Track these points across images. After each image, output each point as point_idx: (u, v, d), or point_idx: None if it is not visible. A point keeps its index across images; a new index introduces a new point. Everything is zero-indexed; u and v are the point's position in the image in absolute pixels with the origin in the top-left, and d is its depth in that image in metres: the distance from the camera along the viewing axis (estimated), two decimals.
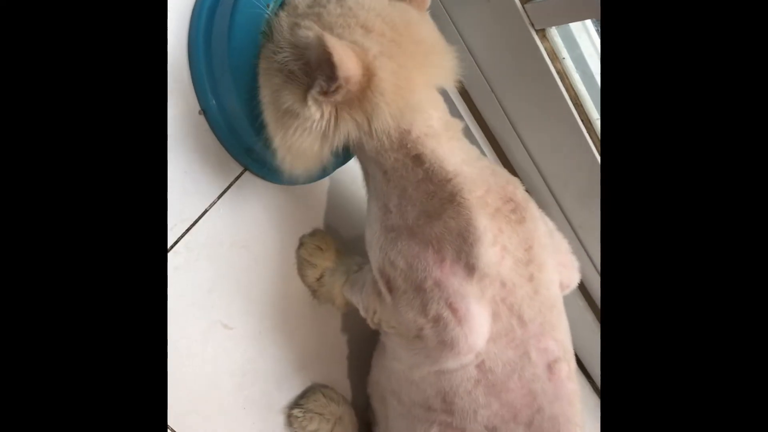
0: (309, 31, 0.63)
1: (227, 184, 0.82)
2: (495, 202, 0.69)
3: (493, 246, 0.67)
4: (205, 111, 0.80)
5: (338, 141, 0.67)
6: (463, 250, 0.66)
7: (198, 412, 0.81)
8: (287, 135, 0.67)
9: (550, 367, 0.70)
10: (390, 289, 0.72)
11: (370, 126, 0.65)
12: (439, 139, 0.69)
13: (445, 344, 0.67)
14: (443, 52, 0.70)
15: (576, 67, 0.87)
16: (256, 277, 0.85)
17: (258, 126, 0.76)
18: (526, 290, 0.69)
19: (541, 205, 0.77)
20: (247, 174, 0.84)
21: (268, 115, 0.69)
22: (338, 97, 0.63)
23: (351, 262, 0.88)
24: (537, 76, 0.85)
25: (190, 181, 0.78)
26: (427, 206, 0.69)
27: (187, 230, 0.78)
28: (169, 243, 0.77)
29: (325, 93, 0.63)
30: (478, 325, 0.67)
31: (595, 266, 1.04)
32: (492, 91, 0.92)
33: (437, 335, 0.68)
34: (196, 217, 0.79)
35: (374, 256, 0.74)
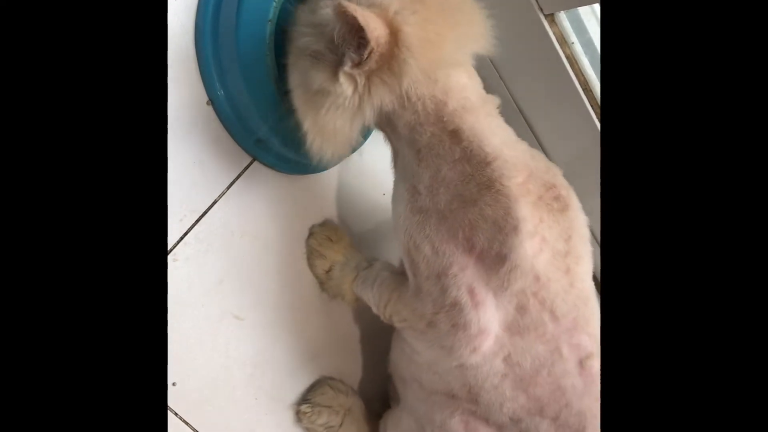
0: (327, 7, 0.61)
1: (236, 175, 0.82)
2: (537, 190, 0.67)
3: (532, 238, 0.65)
4: (212, 101, 0.79)
5: (372, 114, 0.66)
6: (496, 239, 0.65)
7: (210, 402, 0.81)
8: (319, 115, 0.66)
9: (582, 363, 0.69)
10: (414, 274, 0.71)
11: (401, 88, 0.63)
12: (477, 114, 0.67)
13: (458, 327, 0.67)
14: (473, 12, 0.67)
15: (585, 52, 0.86)
16: (267, 268, 0.85)
17: (267, 115, 0.76)
18: (561, 284, 0.67)
19: None
20: (255, 164, 0.83)
21: (298, 99, 0.68)
22: (372, 63, 0.62)
23: (360, 258, 0.87)
24: (546, 61, 0.85)
25: (199, 172, 0.78)
26: (462, 190, 0.66)
27: (197, 221, 0.78)
28: (179, 234, 0.77)
29: (357, 64, 0.62)
30: (491, 312, 0.67)
31: None
32: (500, 76, 0.92)
33: (450, 319, 0.67)
34: (206, 208, 0.79)
35: (400, 239, 0.73)
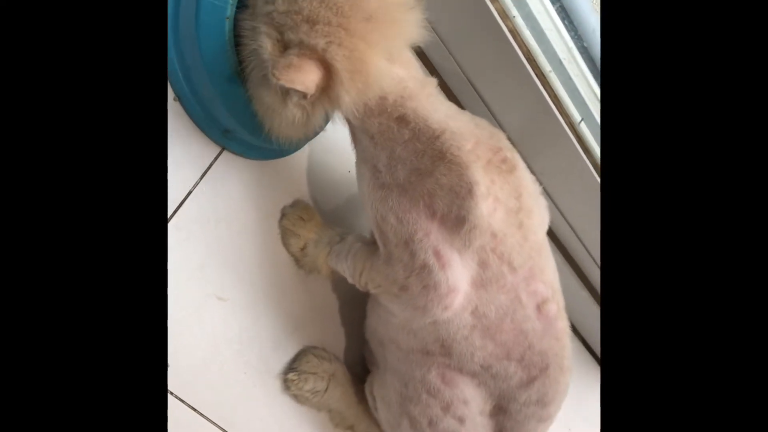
0: (264, 44, 0.67)
1: (207, 165, 0.86)
2: (485, 154, 0.72)
3: (486, 199, 0.70)
4: (179, 97, 0.83)
5: (320, 122, 0.72)
6: (454, 203, 0.70)
7: (201, 380, 0.86)
8: (274, 123, 0.73)
9: (539, 307, 0.76)
10: (384, 243, 0.77)
11: (342, 109, 0.69)
12: (418, 99, 0.72)
13: (429, 288, 0.73)
14: (398, 18, 0.69)
15: (526, 24, 0.91)
16: (244, 250, 0.90)
17: (232, 107, 0.80)
18: (516, 238, 0.73)
19: None
20: (225, 153, 0.87)
21: (255, 107, 0.75)
22: (314, 96, 0.68)
23: (333, 233, 0.92)
24: (490, 35, 0.89)
25: (173, 166, 0.82)
26: (417, 164, 0.72)
27: (175, 211, 0.82)
28: None
29: (303, 97, 0.68)
30: (458, 271, 0.73)
31: (558, 209, 1.10)
32: (449, 52, 0.96)
33: (421, 281, 0.73)
34: (182, 198, 0.83)
35: (369, 213, 0.79)
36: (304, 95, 0.67)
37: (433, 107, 0.73)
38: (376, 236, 0.79)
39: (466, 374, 0.79)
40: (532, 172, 0.78)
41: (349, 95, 0.67)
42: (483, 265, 0.73)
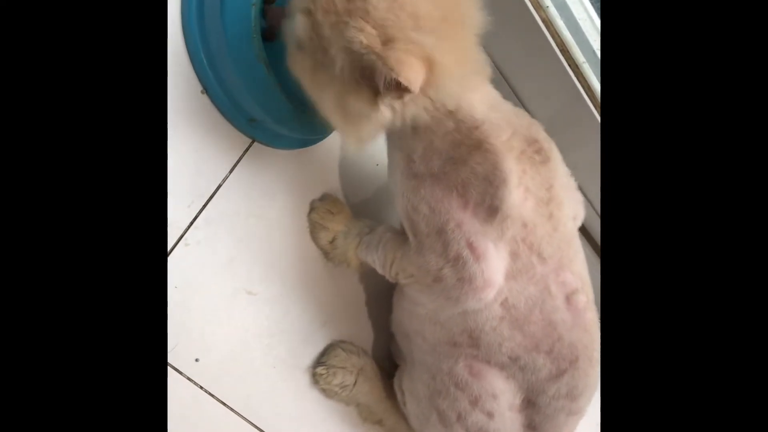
0: (361, 35, 0.61)
1: (237, 158, 0.85)
2: (520, 145, 0.72)
3: (518, 188, 0.70)
4: (206, 89, 0.82)
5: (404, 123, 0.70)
6: (488, 192, 0.70)
7: (231, 374, 0.86)
8: (358, 131, 0.70)
9: (569, 298, 0.75)
10: (414, 234, 0.76)
11: (435, 107, 0.68)
12: (472, 90, 0.72)
13: (464, 281, 0.72)
14: (472, 6, 0.68)
15: (560, 15, 0.89)
16: (273, 244, 0.89)
17: (258, 96, 0.79)
18: (546, 228, 0.73)
19: None
20: (254, 146, 0.87)
21: (333, 118, 0.71)
22: (413, 96, 0.66)
23: (362, 225, 0.91)
24: (523, 26, 0.88)
25: (202, 159, 0.81)
26: (453, 154, 0.72)
27: (204, 205, 0.82)
28: (189, 219, 0.81)
29: (398, 97, 0.65)
30: (494, 263, 0.72)
31: (591, 204, 1.08)
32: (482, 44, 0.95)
33: (456, 273, 0.72)
34: (211, 192, 0.83)
35: (398, 203, 0.78)
36: (400, 95, 0.65)
37: (482, 98, 0.72)
38: (406, 227, 0.78)
39: (494, 366, 0.78)
40: (566, 164, 0.77)
41: (453, 84, 0.66)
42: (514, 255, 0.73)
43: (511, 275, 0.73)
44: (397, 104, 0.67)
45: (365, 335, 1.02)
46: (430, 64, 0.63)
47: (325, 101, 0.70)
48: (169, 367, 0.80)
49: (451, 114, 0.71)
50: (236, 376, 0.86)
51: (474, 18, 0.67)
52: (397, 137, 0.77)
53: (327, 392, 0.94)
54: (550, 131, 0.74)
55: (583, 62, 0.92)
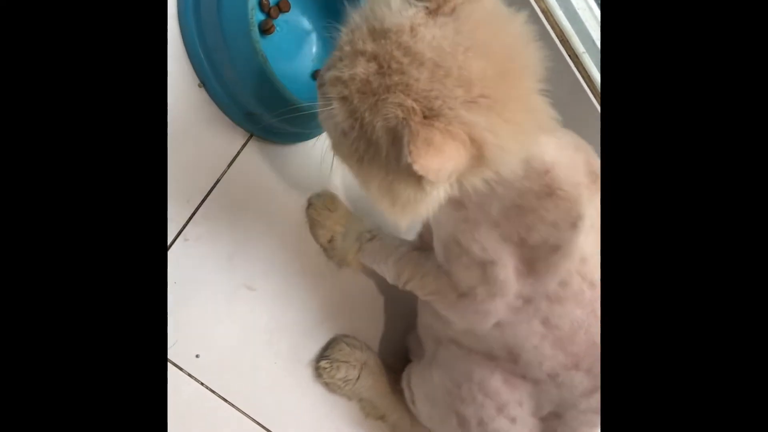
0: (398, 109, 0.54)
1: (235, 152, 0.85)
2: (587, 180, 0.67)
3: (589, 230, 0.67)
4: (203, 83, 0.82)
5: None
6: (552, 235, 0.67)
7: (232, 370, 0.85)
8: (409, 215, 0.61)
9: None
10: (448, 259, 0.74)
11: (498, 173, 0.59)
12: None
13: (495, 295, 0.71)
14: (530, 49, 0.59)
15: (559, 5, 0.88)
16: (273, 239, 0.89)
17: (256, 89, 0.78)
18: (594, 248, 0.69)
19: None
20: (253, 140, 0.86)
21: (382, 205, 0.62)
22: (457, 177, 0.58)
23: (361, 228, 0.90)
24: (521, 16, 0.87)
25: (200, 154, 0.81)
26: (519, 201, 0.66)
27: (203, 201, 0.81)
28: (188, 214, 0.80)
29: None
30: (514, 286, 0.71)
31: None
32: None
33: (489, 292, 0.71)
34: (210, 187, 0.82)
35: (437, 232, 0.75)
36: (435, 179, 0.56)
37: (548, 139, 0.66)
38: (439, 250, 0.75)
39: (529, 380, 0.77)
40: None
41: (513, 156, 0.58)
42: (563, 284, 0.70)
43: (556, 300, 0.71)
44: (446, 184, 0.58)
45: (368, 330, 1.02)
46: (479, 146, 0.54)
47: (372, 189, 0.61)
48: (169, 364, 0.80)
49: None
50: (237, 372, 0.86)
51: (534, 64, 0.59)
52: None
53: (330, 386, 0.93)
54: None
55: (583, 52, 0.92)
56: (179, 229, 0.80)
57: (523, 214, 0.67)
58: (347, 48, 0.58)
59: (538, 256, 0.69)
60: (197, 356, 0.82)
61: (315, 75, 0.89)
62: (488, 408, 0.78)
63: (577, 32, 0.91)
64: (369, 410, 0.96)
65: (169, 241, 0.79)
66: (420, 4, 0.56)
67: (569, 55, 0.90)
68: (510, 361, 0.76)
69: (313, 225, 0.92)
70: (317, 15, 0.90)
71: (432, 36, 0.54)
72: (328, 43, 0.90)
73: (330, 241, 0.91)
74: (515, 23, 0.59)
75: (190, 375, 0.82)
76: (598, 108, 0.94)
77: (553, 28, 0.88)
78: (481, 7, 0.57)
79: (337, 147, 0.63)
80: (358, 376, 0.93)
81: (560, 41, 0.89)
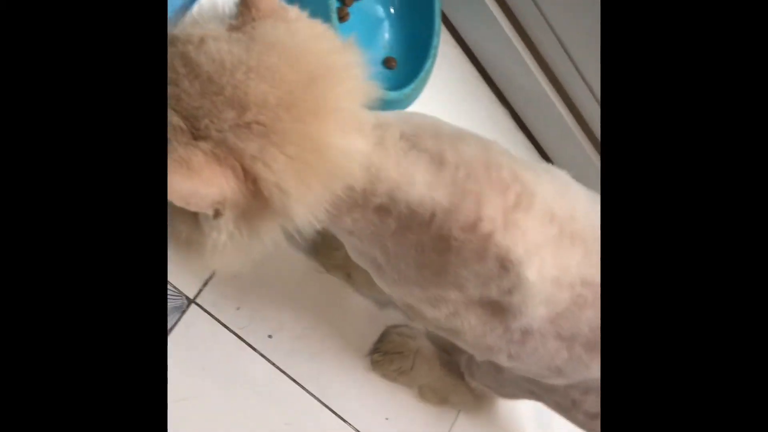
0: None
1: None
2: (495, 208, 0.56)
3: (530, 260, 0.56)
4: None
5: (270, 241, 0.52)
6: (492, 287, 0.58)
7: (301, 353, 0.87)
8: (206, 259, 0.52)
9: None
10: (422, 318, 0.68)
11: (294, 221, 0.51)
12: (387, 173, 0.55)
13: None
14: (345, 68, 0.52)
15: None
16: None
17: None
18: (576, 259, 0.59)
19: None
20: None
21: (173, 249, 0.53)
22: (227, 216, 0.49)
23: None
24: (588, 2, 0.87)
25: None
26: (422, 260, 0.58)
27: None
28: None
29: (214, 216, 0.49)
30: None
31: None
32: (547, 23, 0.94)
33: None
34: None
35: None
36: (215, 213, 0.48)
37: (409, 177, 0.56)
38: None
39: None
40: None
41: (303, 208, 0.49)
42: (554, 307, 0.61)
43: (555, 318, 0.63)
44: (222, 222, 0.49)
45: None
46: (254, 181, 0.47)
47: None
48: (243, 343, 0.81)
49: (379, 211, 0.57)
50: (305, 355, 0.87)
51: (344, 100, 0.51)
52: (345, 242, 0.66)
53: (387, 377, 0.94)
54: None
55: None
56: None
57: (440, 278, 0.59)
58: None
59: (496, 313, 0.61)
60: (270, 336, 0.83)
61: (386, 62, 0.91)
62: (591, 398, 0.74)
63: None
64: (429, 396, 0.96)
65: None
66: (229, 20, 0.51)
67: None
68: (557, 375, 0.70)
69: (327, 269, 0.90)
70: (390, 3, 0.92)
71: (217, 50, 0.47)
72: (400, 32, 0.92)
73: (350, 276, 0.90)
74: (328, 48, 0.52)
75: (262, 355, 0.83)
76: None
77: None
78: (283, 28, 0.50)
79: None
80: (412, 365, 0.93)
81: None
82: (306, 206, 0.50)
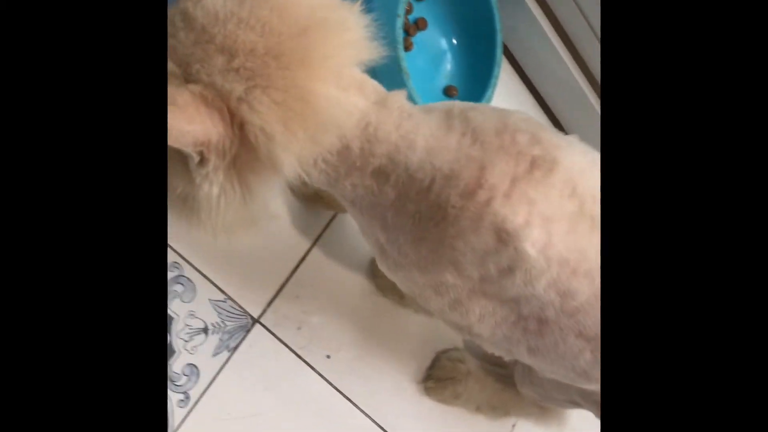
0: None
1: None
2: (500, 175, 0.52)
3: (530, 231, 0.52)
4: None
5: (267, 198, 0.54)
6: (491, 261, 0.54)
7: (358, 373, 0.89)
8: (201, 219, 0.54)
9: None
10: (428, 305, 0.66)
11: (284, 171, 0.51)
12: (388, 136, 0.55)
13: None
14: (342, 23, 0.53)
15: None
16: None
17: None
18: (593, 243, 0.54)
19: None
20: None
21: (171, 210, 0.55)
22: (215, 163, 0.50)
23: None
24: None
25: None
26: (419, 233, 0.56)
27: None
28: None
29: (200, 163, 0.50)
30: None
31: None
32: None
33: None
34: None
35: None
36: (201, 161, 0.50)
37: (410, 142, 0.55)
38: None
39: None
40: None
41: (290, 157, 0.50)
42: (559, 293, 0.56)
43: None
44: (212, 173, 0.51)
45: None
46: (240, 124, 0.49)
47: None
48: (302, 362, 0.84)
49: (378, 176, 0.56)
50: (362, 375, 0.89)
51: (334, 55, 0.52)
52: (356, 219, 0.64)
53: (443, 402, 0.95)
54: None
55: None
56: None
57: (437, 252, 0.56)
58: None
59: (499, 289, 0.57)
60: (328, 356, 0.86)
61: (447, 90, 0.93)
62: None
63: None
64: (489, 412, 0.95)
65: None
66: None
67: None
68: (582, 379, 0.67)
69: (383, 292, 0.92)
70: (453, 34, 0.94)
71: (213, 4, 0.50)
72: (462, 62, 0.94)
73: (402, 297, 0.91)
74: (322, 3, 0.53)
75: (319, 374, 0.85)
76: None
77: None
78: None
79: None
80: (465, 388, 0.93)
81: None
82: (293, 155, 0.50)
